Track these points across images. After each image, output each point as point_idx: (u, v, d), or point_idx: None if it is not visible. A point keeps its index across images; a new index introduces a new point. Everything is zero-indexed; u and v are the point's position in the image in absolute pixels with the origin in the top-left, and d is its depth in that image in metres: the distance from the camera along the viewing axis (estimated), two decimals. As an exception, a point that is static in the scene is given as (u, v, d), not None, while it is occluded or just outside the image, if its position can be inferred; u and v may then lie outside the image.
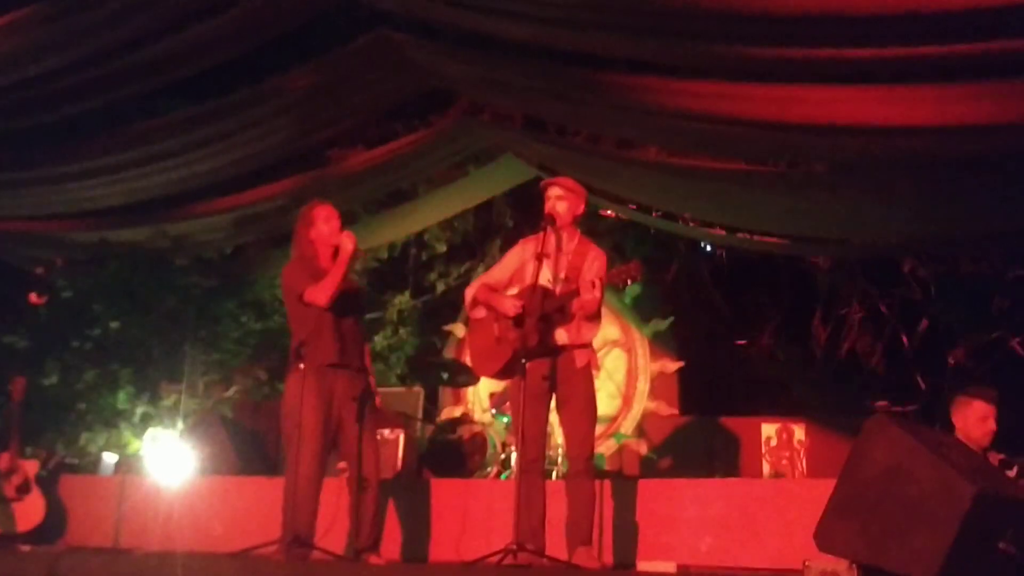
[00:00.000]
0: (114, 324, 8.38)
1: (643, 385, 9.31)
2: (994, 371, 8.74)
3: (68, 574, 4.55)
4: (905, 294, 9.98)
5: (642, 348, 9.43)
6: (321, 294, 5.02)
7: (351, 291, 5.19)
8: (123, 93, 6.62)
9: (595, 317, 4.92)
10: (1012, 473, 4.98)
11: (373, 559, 4.90)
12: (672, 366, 9.42)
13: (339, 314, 5.07)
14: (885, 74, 5.41)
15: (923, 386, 9.52)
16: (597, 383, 5.14)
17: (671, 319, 9.53)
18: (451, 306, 10.39)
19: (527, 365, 4.78)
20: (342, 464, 5.28)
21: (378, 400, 5.33)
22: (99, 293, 8.51)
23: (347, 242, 5.09)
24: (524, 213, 9.75)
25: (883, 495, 3.64)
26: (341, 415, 5.08)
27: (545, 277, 4.94)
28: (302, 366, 5.01)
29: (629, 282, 4.79)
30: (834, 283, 10.34)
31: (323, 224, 5.22)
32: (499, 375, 5.03)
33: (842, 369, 10.50)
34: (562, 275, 4.97)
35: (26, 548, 5.77)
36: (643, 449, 9.13)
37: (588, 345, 4.99)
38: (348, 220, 9.01)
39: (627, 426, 9.22)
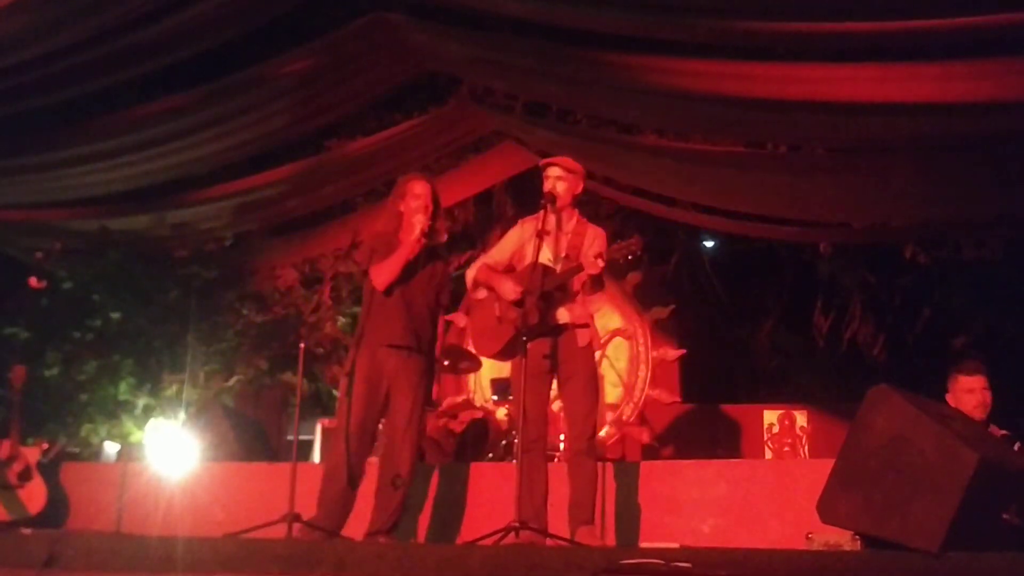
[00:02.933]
0: (115, 315, 8.38)
1: (645, 373, 9.31)
2: (998, 358, 8.71)
3: (69, 556, 4.53)
4: (906, 282, 9.97)
5: (643, 336, 9.42)
6: (380, 275, 4.97)
7: (427, 272, 5.10)
8: (120, 76, 6.61)
9: (597, 289, 4.89)
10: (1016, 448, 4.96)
11: (382, 540, 4.89)
12: (673, 354, 9.41)
13: (408, 293, 5.00)
14: (886, 52, 5.40)
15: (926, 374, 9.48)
16: (600, 371, 5.12)
17: (672, 307, 9.53)
18: (452, 296, 10.37)
19: (528, 344, 4.75)
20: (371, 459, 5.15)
21: (435, 390, 5.16)
22: (100, 284, 8.51)
23: (416, 225, 4.98)
24: (524, 202, 9.74)
25: (886, 465, 3.62)
26: (390, 395, 4.99)
27: (545, 256, 4.92)
28: (358, 345, 4.97)
29: (630, 257, 4.76)
30: (835, 272, 10.32)
31: (412, 200, 5.09)
32: (500, 355, 5.02)
33: (844, 358, 10.49)
34: (562, 254, 4.96)
35: (27, 532, 5.75)
36: (645, 437, 9.12)
37: (590, 324, 4.98)
38: (348, 209, 9.11)
39: (629, 414, 9.21)
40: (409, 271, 5.02)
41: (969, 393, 5.03)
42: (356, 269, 5.06)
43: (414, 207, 5.07)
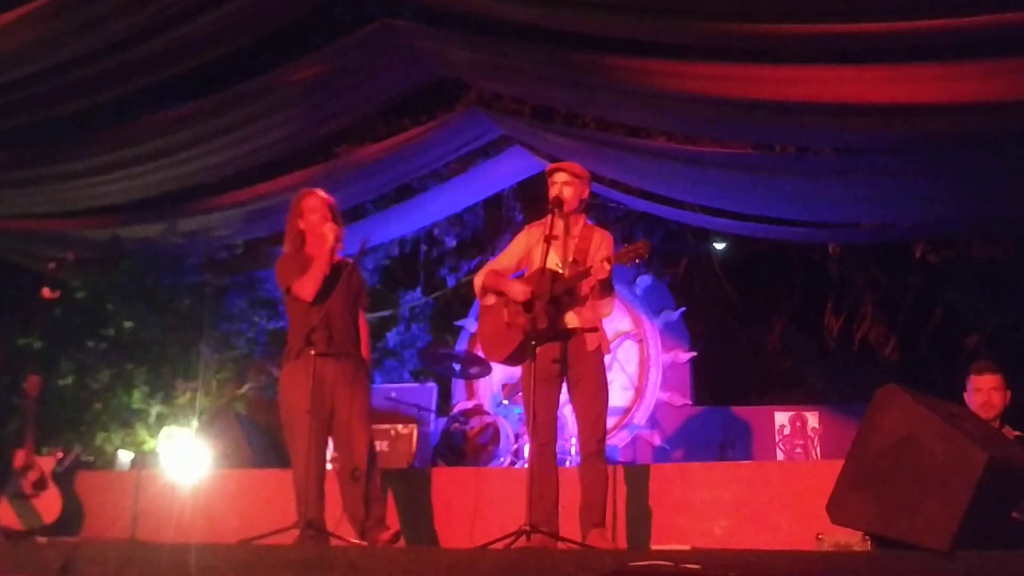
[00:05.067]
0: (128, 324, 8.44)
1: (655, 376, 9.31)
2: (1011, 356, 8.67)
3: (84, 564, 4.57)
4: (917, 282, 9.93)
5: (654, 339, 9.43)
6: (305, 289, 5.10)
7: (344, 278, 5.17)
8: (130, 87, 6.65)
9: (607, 293, 4.91)
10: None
11: (383, 535, 4.93)
12: (684, 356, 9.42)
13: (329, 302, 5.09)
14: (892, 52, 5.40)
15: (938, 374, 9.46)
16: (610, 375, 5.14)
17: (682, 309, 9.54)
18: (462, 301, 10.42)
19: (537, 349, 4.78)
20: (334, 455, 5.31)
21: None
22: (113, 293, 8.57)
23: (328, 234, 5.12)
24: (533, 207, 9.77)
25: (895, 465, 3.62)
26: (333, 401, 5.12)
27: (553, 261, 4.95)
28: (295, 356, 5.09)
29: (637, 260, 4.79)
30: (845, 272, 10.30)
31: (310, 214, 5.26)
32: (509, 360, 5.04)
33: (856, 359, 10.46)
34: (570, 258, 4.99)
35: (43, 540, 5.79)
36: (656, 439, 9.13)
37: (598, 328, 4.99)
38: (357, 215, 9.14)
39: (640, 417, 9.22)
40: (328, 282, 5.12)
41: (976, 392, 5.07)
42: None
43: (315, 220, 5.23)
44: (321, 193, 5.37)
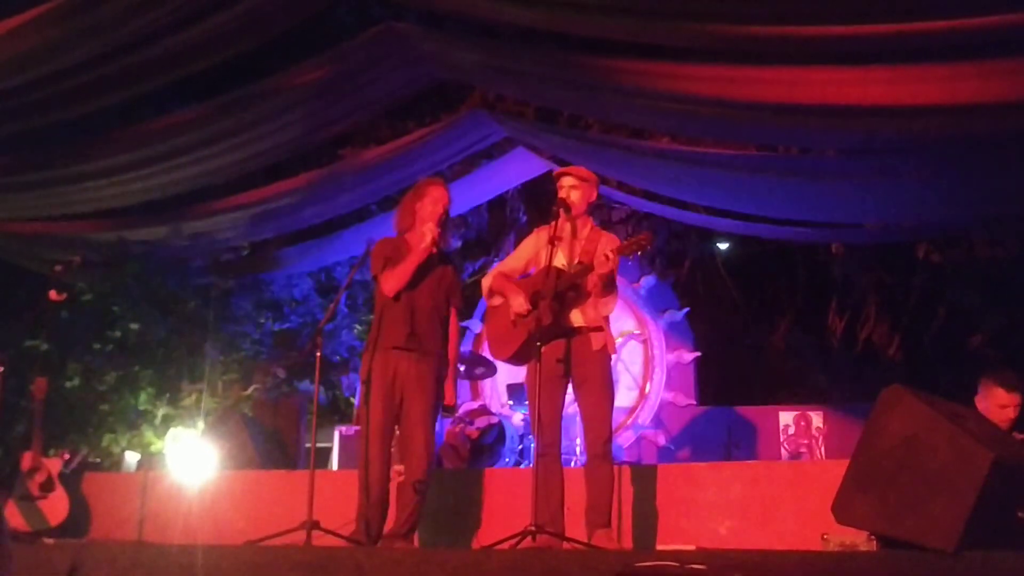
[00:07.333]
0: (134, 326, 8.45)
1: (660, 376, 9.32)
2: (1014, 356, 8.67)
3: (91, 566, 4.59)
4: (920, 281, 9.94)
5: (658, 339, 9.44)
6: (389, 283, 5.06)
7: (435, 275, 5.16)
8: (136, 90, 6.67)
9: (610, 290, 4.92)
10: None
11: (400, 545, 4.92)
12: (688, 356, 9.43)
13: (416, 298, 5.07)
14: (893, 54, 5.41)
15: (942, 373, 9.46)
16: (614, 375, 5.15)
17: (687, 309, 9.55)
18: (466, 302, 10.41)
19: (542, 349, 4.79)
20: (397, 468, 5.21)
21: (449, 393, 5.21)
22: (119, 296, 8.59)
23: (427, 235, 5.05)
24: (537, 208, 9.79)
25: (900, 465, 3.63)
26: (403, 398, 5.04)
27: (560, 262, 4.98)
28: (372, 349, 5.05)
29: (640, 252, 4.79)
30: (849, 272, 10.31)
31: (430, 204, 5.17)
32: (514, 357, 5.06)
33: (860, 359, 10.47)
34: (576, 260, 5.00)
35: (50, 542, 5.81)
36: (661, 440, 9.14)
37: (604, 328, 5.00)
38: (362, 217, 9.17)
39: (645, 417, 9.23)
40: (417, 277, 5.09)
41: (1002, 408, 5.06)
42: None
43: (429, 211, 5.15)
44: (446, 188, 5.30)
